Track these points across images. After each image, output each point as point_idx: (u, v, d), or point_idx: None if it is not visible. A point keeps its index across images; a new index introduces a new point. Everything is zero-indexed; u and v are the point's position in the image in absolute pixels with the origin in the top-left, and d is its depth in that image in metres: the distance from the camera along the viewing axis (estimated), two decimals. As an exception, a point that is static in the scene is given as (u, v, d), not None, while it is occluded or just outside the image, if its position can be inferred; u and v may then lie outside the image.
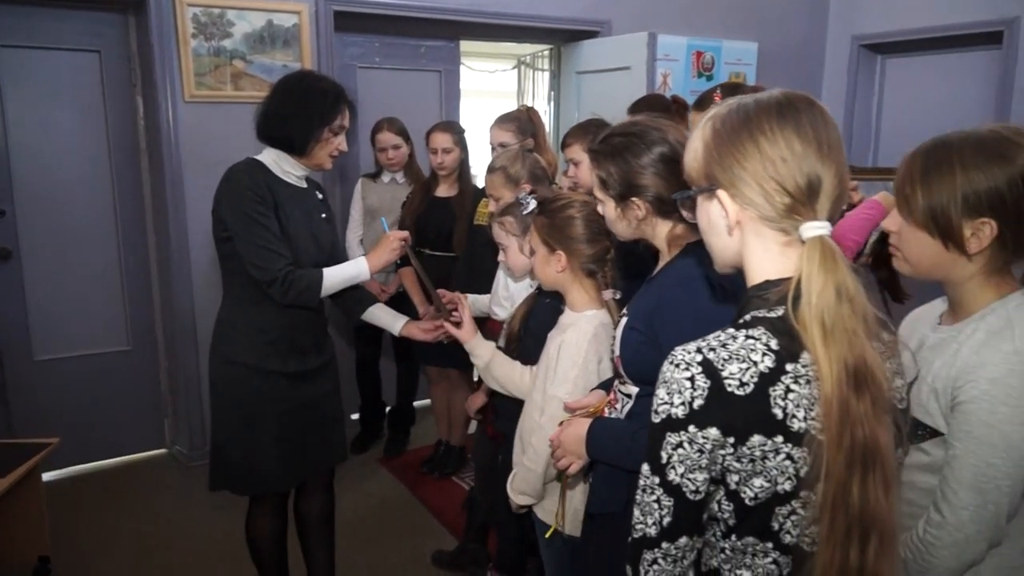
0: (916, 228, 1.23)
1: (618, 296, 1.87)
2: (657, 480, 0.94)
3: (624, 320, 1.53)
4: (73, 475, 3.67)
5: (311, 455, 2.31)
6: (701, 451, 0.91)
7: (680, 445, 0.91)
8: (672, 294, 1.44)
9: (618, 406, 1.58)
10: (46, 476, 3.22)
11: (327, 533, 2.50)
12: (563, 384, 1.79)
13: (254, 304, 2.15)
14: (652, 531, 0.95)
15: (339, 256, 2.32)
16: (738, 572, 0.99)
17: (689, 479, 0.92)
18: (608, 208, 1.54)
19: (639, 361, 1.47)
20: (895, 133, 5.28)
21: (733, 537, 0.97)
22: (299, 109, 2.11)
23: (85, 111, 3.54)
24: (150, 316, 3.83)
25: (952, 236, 1.20)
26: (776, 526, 0.95)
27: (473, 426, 3.21)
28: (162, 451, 3.92)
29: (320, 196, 2.32)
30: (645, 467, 0.96)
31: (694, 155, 1.03)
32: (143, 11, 3.37)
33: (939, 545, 1.19)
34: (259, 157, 2.17)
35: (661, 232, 1.51)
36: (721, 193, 0.98)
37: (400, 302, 3.49)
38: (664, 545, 0.95)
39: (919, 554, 1.22)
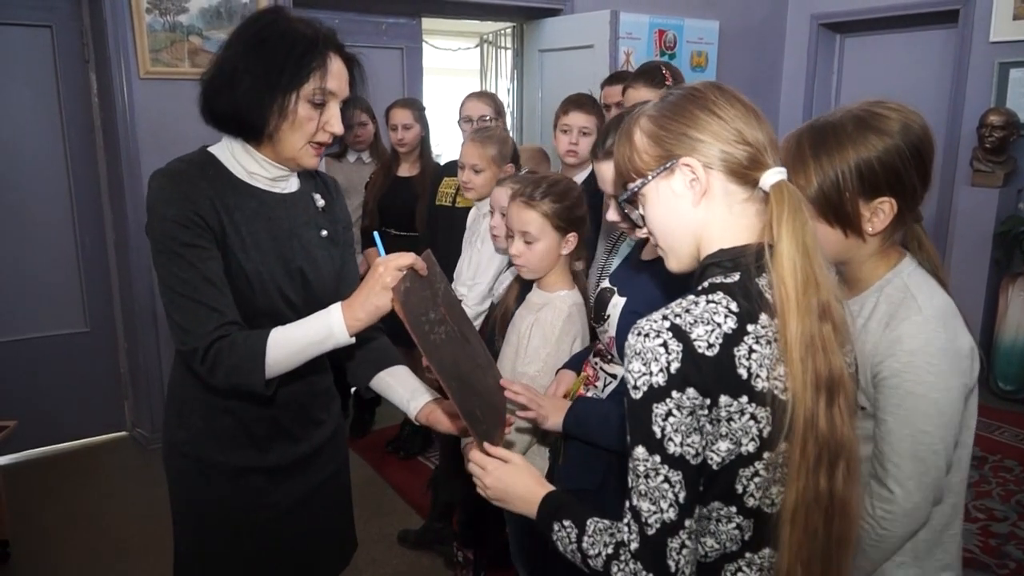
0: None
1: (581, 267, 1.90)
2: (659, 458, 0.91)
3: (623, 301, 1.51)
4: (32, 458, 3.62)
5: (311, 565, 1.65)
6: (691, 412, 0.90)
7: (670, 413, 0.90)
8: (684, 279, 1.43)
9: (599, 384, 1.58)
10: (4, 459, 3.19)
11: None
12: (533, 362, 1.80)
13: None
14: (671, 514, 0.91)
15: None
16: (702, 539, 0.98)
17: (688, 445, 0.91)
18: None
19: None
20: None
21: (699, 504, 0.96)
22: (253, 65, 1.32)
23: (37, 88, 3.45)
24: (108, 297, 3.77)
25: (850, 222, 1.22)
26: (740, 489, 0.95)
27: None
28: (122, 434, 3.88)
29: (321, 203, 1.54)
30: (640, 451, 0.92)
31: (635, 148, 1.03)
32: (95, -15, 3.29)
33: (892, 518, 1.21)
34: (213, 149, 1.43)
35: None
36: (688, 159, 0.99)
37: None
38: (687, 523, 0.92)
39: (872, 528, 1.23)
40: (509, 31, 4.94)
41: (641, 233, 1.49)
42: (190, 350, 1.34)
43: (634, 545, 0.94)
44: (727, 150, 0.98)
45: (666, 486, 0.91)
